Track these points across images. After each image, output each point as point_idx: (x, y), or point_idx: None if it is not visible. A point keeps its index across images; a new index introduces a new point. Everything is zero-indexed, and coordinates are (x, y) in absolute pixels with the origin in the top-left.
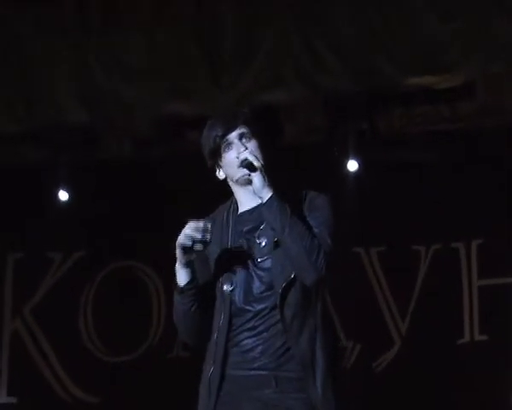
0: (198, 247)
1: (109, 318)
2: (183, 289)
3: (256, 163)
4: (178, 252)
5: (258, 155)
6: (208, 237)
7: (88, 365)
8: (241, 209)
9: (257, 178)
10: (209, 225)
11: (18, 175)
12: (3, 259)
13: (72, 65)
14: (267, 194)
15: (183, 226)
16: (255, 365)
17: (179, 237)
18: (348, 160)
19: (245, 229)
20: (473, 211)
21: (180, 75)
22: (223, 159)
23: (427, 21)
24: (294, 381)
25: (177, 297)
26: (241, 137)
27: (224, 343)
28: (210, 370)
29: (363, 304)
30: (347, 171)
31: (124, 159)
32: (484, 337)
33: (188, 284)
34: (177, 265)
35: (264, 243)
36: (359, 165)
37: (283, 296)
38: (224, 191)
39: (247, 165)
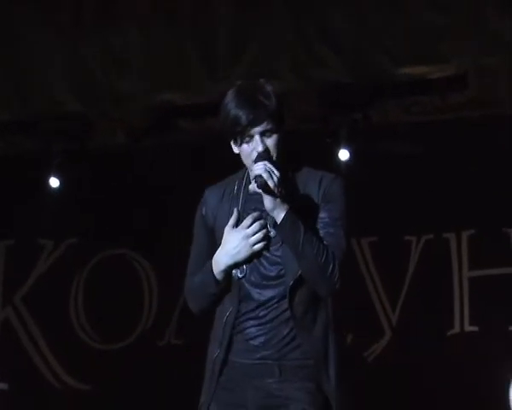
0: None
1: (100, 305)
2: (220, 283)
3: (270, 183)
4: (238, 257)
5: (277, 150)
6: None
7: (79, 352)
8: (253, 187)
9: (268, 199)
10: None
11: (10, 163)
12: None
13: (65, 55)
14: (279, 214)
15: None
16: (258, 354)
17: (239, 252)
18: (340, 149)
19: (256, 212)
20: (464, 202)
21: (174, 66)
22: (241, 146)
23: (419, 12)
24: (298, 369)
25: (205, 282)
26: (263, 134)
27: (230, 329)
28: (215, 353)
29: (354, 294)
30: (339, 160)
31: (116, 148)
32: (474, 328)
33: (225, 280)
34: (224, 264)
35: (273, 233)
36: (351, 154)
37: (294, 292)
38: (220, 180)
39: (261, 184)
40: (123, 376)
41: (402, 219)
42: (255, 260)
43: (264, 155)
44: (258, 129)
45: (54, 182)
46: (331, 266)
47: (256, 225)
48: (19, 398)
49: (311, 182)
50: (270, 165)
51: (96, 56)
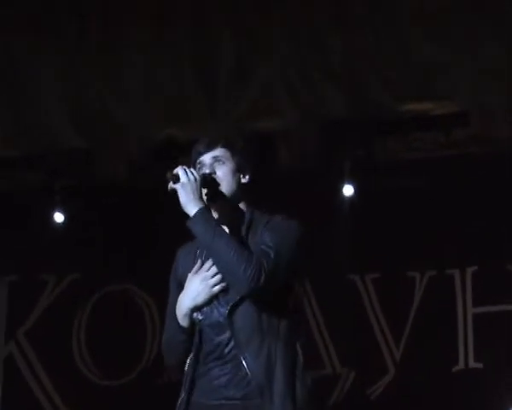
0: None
1: (103, 341)
2: (185, 330)
3: (183, 178)
4: (199, 300)
5: (227, 180)
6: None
7: (82, 388)
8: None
9: (180, 191)
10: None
11: (13, 199)
12: None
13: (66, 90)
14: (193, 209)
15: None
16: (222, 395)
17: (198, 295)
18: (344, 185)
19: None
20: (468, 238)
21: (176, 101)
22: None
23: (422, 49)
24: (262, 408)
25: (173, 333)
26: (214, 160)
27: (192, 372)
28: (181, 396)
29: (358, 331)
30: (343, 196)
31: (118, 183)
32: (479, 365)
33: (190, 326)
34: (185, 308)
35: None
36: (355, 190)
37: (234, 320)
38: None
39: (172, 177)
40: None
41: (406, 256)
42: (213, 302)
43: (207, 177)
44: (208, 155)
45: (58, 217)
46: (244, 264)
47: (214, 268)
48: None
49: (262, 219)
50: (192, 170)
51: (98, 91)
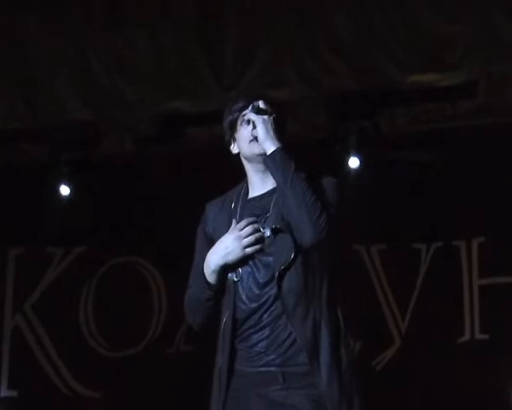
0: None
1: (110, 313)
2: (211, 287)
3: (266, 111)
4: (229, 258)
5: (274, 131)
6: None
7: (89, 360)
8: (252, 194)
9: (260, 126)
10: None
11: (20, 172)
12: (4, 254)
13: (74, 63)
14: (271, 146)
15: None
16: (262, 361)
17: (236, 245)
18: (349, 157)
19: (252, 217)
20: (474, 209)
21: (182, 74)
22: (238, 132)
23: (429, 20)
24: (302, 377)
25: (198, 289)
26: (258, 113)
27: (230, 337)
28: (219, 364)
29: (364, 302)
30: (349, 168)
31: (125, 156)
32: (484, 336)
33: (217, 283)
34: (214, 264)
35: (268, 234)
36: (361, 163)
37: (283, 283)
38: (227, 188)
39: (257, 107)
40: (132, 383)
41: (411, 227)
42: (250, 264)
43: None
44: (254, 112)
45: (64, 190)
46: (319, 211)
47: (249, 228)
48: (28, 405)
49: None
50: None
51: (105, 66)
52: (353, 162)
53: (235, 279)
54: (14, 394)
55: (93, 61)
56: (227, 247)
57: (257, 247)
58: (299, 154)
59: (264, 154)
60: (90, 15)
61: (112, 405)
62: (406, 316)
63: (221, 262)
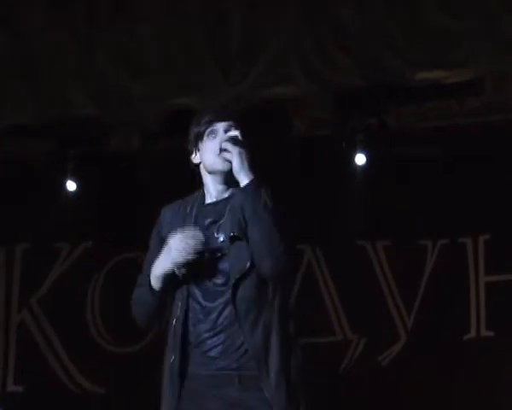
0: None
1: (116, 308)
2: (154, 292)
3: (241, 143)
4: (172, 266)
5: (248, 161)
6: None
7: (95, 355)
8: (208, 201)
9: (236, 158)
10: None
11: (26, 167)
12: (11, 249)
13: (80, 59)
14: (245, 178)
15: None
16: (217, 366)
17: (178, 254)
18: (356, 154)
19: (206, 222)
20: (480, 206)
21: (189, 70)
22: (204, 143)
23: (436, 17)
24: (256, 379)
25: (143, 291)
26: (227, 130)
27: (181, 336)
28: (170, 362)
29: (370, 298)
30: (355, 165)
31: (132, 151)
32: (490, 333)
33: (162, 290)
34: (158, 272)
35: (222, 239)
36: (367, 159)
37: (237, 290)
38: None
39: (234, 138)
40: (138, 379)
41: (418, 224)
42: (205, 267)
43: (234, 138)
44: (222, 124)
45: (71, 185)
46: (283, 244)
47: (198, 232)
48: (34, 400)
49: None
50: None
51: (111, 61)
52: (360, 159)
53: (181, 277)
54: (20, 389)
55: (99, 57)
56: (175, 249)
57: (203, 249)
58: (304, 151)
59: (227, 171)
60: (96, 10)
61: (118, 400)
62: (412, 312)
63: (168, 266)
